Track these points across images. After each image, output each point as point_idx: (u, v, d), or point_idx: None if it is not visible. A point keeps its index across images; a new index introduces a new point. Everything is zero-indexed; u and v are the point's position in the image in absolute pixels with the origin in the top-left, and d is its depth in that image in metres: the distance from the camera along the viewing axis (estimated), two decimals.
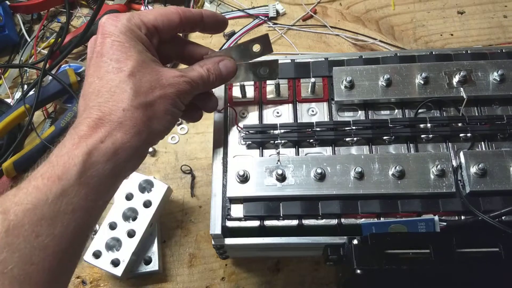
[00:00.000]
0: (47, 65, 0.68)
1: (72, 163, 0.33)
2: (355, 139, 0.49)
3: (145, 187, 0.58)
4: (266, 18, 0.76)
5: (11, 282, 0.30)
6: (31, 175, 0.34)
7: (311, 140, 0.49)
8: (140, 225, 0.56)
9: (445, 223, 0.44)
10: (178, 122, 0.68)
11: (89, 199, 0.34)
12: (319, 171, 0.45)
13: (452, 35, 0.73)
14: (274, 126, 0.49)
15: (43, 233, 0.31)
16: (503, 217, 0.44)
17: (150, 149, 0.65)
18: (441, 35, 0.73)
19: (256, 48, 0.47)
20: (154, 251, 0.57)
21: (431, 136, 0.48)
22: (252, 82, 0.53)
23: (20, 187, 0.33)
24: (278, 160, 0.47)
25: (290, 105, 0.52)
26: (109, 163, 0.35)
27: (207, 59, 0.44)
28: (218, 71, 0.44)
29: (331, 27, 0.74)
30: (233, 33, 0.74)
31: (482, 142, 0.48)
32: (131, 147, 0.36)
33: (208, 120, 0.66)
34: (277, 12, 0.76)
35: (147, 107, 0.37)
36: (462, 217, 0.45)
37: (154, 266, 0.56)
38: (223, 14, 0.73)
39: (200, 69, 0.42)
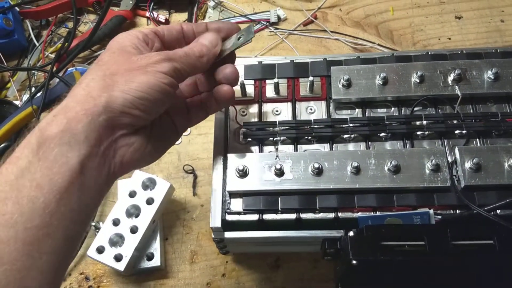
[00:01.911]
0: (54, 68, 0.70)
1: (27, 141, 0.33)
2: (352, 136, 0.50)
3: (148, 185, 0.59)
4: (267, 24, 0.77)
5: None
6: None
7: (309, 137, 0.51)
8: (143, 222, 0.57)
9: (440, 217, 0.45)
10: None
11: (54, 171, 0.33)
12: (316, 166, 0.46)
13: (449, 39, 0.74)
14: (273, 124, 0.51)
15: (10, 211, 0.31)
16: (497, 211, 0.45)
17: None
18: (439, 39, 0.74)
19: (239, 38, 0.46)
20: (156, 248, 0.58)
21: (426, 133, 0.49)
22: (252, 82, 0.54)
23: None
24: (277, 156, 0.48)
25: (289, 103, 0.53)
26: (64, 132, 0.34)
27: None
28: (200, 45, 0.42)
29: (331, 31, 0.76)
30: None
31: (477, 139, 0.49)
32: (84, 114, 0.34)
33: (211, 122, 0.67)
34: (279, 17, 0.78)
35: (105, 77, 0.36)
36: (457, 211, 0.46)
37: (156, 262, 0.57)
38: (227, 21, 0.75)
39: (184, 48, 0.42)
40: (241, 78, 0.54)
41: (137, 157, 0.39)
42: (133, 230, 0.56)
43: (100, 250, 0.55)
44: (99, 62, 0.38)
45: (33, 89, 0.72)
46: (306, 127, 0.50)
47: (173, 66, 0.39)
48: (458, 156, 0.46)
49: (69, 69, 0.73)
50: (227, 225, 0.47)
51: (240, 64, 0.55)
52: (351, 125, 0.50)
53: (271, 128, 0.51)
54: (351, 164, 0.46)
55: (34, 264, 0.31)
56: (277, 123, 0.51)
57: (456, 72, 0.50)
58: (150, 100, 0.37)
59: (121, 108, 0.36)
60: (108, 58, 0.38)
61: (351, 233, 0.43)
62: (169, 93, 0.38)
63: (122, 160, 0.38)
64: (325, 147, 0.50)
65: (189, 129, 0.69)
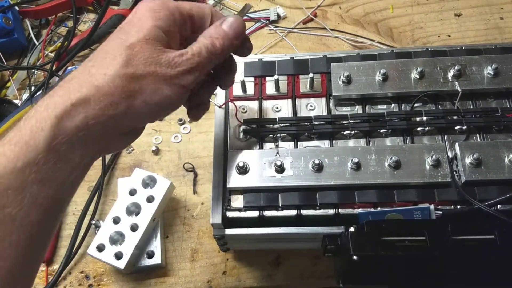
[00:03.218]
0: (54, 67, 0.70)
1: (40, 127, 0.31)
2: (352, 132, 0.50)
3: (148, 183, 0.59)
4: (267, 22, 0.77)
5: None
6: None
7: (310, 134, 0.51)
8: (143, 220, 0.57)
9: (440, 212, 0.45)
10: (180, 122, 0.69)
11: (58, 168, 0.31)
12: (317, 162, 0.46)
13: (449, 36, 0.74)
14: (273, 120, 0.51)
15: (10, 203, 0.29)
16: (498, 206, 0.45)
17: (153, 148, 0.66)
18: (438, 36, 0.74)
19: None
20: (156, 246, 0.58)
21: (426, 128, 0.49)
22: (252, 79, 0.54)
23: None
24: (277, 152, 0.48)
25: (289, 100, 0.53)
26: (79, 129, 0.32)
27: (209, 27, 0.40)
28: (223, 33, 0.39)
29: (331, 29, 0.76)
30: None
31: (477, 134, 0.49)
32: (104, 116, 0.33)
33: (211, 120, 0.67)
34: (278, 15, 0.78)
35: (132, 80, 0.34)
36: (458, 206, 0.46)
37: (156, 260, 0.57)
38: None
39: (203, 40, 0.38)
40: (241, 75, 0.54)
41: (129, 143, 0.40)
42: (134, 228, 0.56)
43: (101, 248, 0.55)
44: (126, 43, 0.34)
45: (32, 88, 0.72)
46: (306, 123, 0.50)
47: (195, 78, 0.37)
48: (458, 152, 0.46)
49: (68, 68, 0.73)
50: (228, 222, 0.47)
51: (240, 61, 0.55)
52: (351, 121, 0.50)
53: (271, 125, 0.51)
54: (352, 160, 0.46)
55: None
56: (277, 120, 0.51)
57: (456, 68, 0.50)
58: (164, 113, 0.38)
59: (136, 117, 0.36)
60: (136, 41, 0.34)
61: (351, 229, 0.43)
62: (182, 103, 0.39)
63: (109, 147, 0.37)
64: (325, 144, 0.50)
65: (189, 127, 0.69)
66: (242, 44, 0.42)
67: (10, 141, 0.31)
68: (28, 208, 0.30)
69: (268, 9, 0.78)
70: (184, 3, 0.38)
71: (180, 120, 0.69)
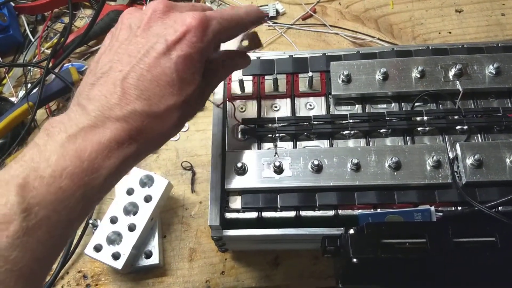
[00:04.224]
0: (50, 64, 0.69)
1: (102, 173, 0.32)
2: (352, 132, 0.49)
3: (146, 182, 0.59)
4: (266, 18, 0.76)
5: (17, 280, 0.29)
6: (56, 164, 0.30)
7: (309, 134, 0.50)
8: (141, 219, 0.56)
9: (441, 214, 0.44)
10: None
11: (98, 201, 0.34)
12: (316, 163, 0.46)
13: (450, 32, 0.73)
14: (272, 120, 0.50)
15: (56, 235, 0.31)
16: (499, 207, 0.44)
17: None
18: (439, 33, 0.73)
19: (245, 43, 0.46)
20: (154, 245, 0.58)
21: (427, 128, 0.49)
22: (251, 77, 0.54)
23: (43, 177, 0.30)
24: (276, 153, 0.48)
25: (288, 99, 0.53)
26: (122, 175, 0.34)
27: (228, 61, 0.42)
28: (234, 64, 0.43)
29: (331, 26, 0.75)
30: None
31: (479, 135, 0.49)
32: (138, 160, 0.36)
33: (209, 118, 0.66)
34: (277, 11, 0.77)
35: (174, 132, 0.37)
36: (459, 208, 0.45)
37: (154, 259, 0.57)
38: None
39: (222, 78, 0.44)
40: (240, 74, 0.53)
41: None
42: (131, 228, 0.56)
43: (98, 248, 0.55)
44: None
45: (29, 85, 0.71)
46: (305, 123, 0.49)
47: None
48: (459, 152, 0.46)
49: (65, 65, 0.72)
50: (226, 223, 0.47)
51: None
52: (351, 121, 0.49)
53: (270, 125, 0.50)
54: (351, 161, 0.46)
55: None
56: (276, 119, 0.50)
57: (457, 67, 0.50)
58: None
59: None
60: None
61: (351, 231, 0.42)
62: None
63: None
64: (324, 144, 0.50)
65: (187, 125, 0.68)
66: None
67: (72, 176, 0.31)
68: (68, 236, 0.33)
69: (267, 5, 0.77)
70: (222, 22, 0.37)
71: None
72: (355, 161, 0.46)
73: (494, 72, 0.50)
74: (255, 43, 0.47)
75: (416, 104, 0.50)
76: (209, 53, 0.37)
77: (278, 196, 0.46)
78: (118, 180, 0.35)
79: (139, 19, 0.36)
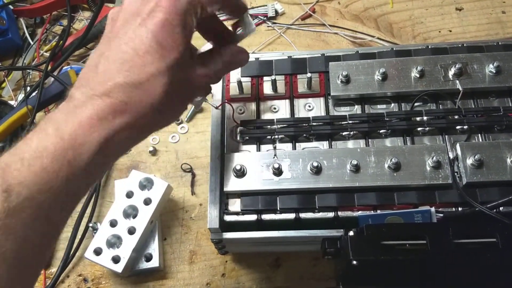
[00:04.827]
0: (49, 67, 0.69)
1: (86, 149, 0.31)
2: (351, 133, 0.49)
3: (146, 185, 0.59)
4: (265, 18, 0.76)
5: (2, 264, 0.29)
6: (36, 144, 0.31)
7: (308, 135, 0.50)
8: (141, 223, 0.56)
9: (441, 215, 0.44)
10: (178, 122, 0.68)
11: (87, 184, 0.33)
12: (315, 164, 0.46)
13: (450, 31, 0.73)
14: (271, 121, 0.50)
15: (41, 217, 0.30)
16: (500, 208, 0.44)
17: (151, 148, 0.66)
18: (439, 31, 0.73)
19: (238, 31, 0.44)
20: (154, 248, 0.58)
21: (427, 129, 0.48)
22: (249, 79, 0.53)
23: (24, 159, 0.30)
24: (275, 155, 0.47)
25: (287, 100, 0.52)
26: (117, 153, 0.34)
27: (229, 48, 0.42)
28: (235, 61, 0.43)
29: (330, 25, 0.75)
30: None
31: (479, 134, 0.49)
32: (136, 139, 0.36)
33: (208, 119, 0.67)
34: (276, 11, 0.77)
35: (169, 108, 0.36)
36: (459, 209, 0.45)
37: (154, 262, 0.57)
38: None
39: (220, 64, 0.40)
40: (238, 75, 0.53)
41: None
42: (131, 231, 0.56)
43: (98, 251, 0.55)
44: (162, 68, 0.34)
45: (28, 88, 0.71)
46: (304, 124, 0.49)
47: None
48: (459, 152, 0.46)
49: (64, 68, 0.72)
50: (225, 226, 0.47)
51: None
52: (350, 122, 0.49)
53: (268, 126, 0.50)
54: (351, 162, 0.45)
55: None
56: (275, 121, 0.50)
57: (457, 66, 0.49)
58: None
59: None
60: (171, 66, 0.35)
61: (351, 233, 0.42)
62: None
63: None
64: (324, 145, 0.50)
65: (186, 127, 0.68)
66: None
67: (53, 155, 0.30)
68: (57, 222, 0.32)
69: (266, 5, 0.77)
70: None
71: (177, 119, 0.68)
72: (355, 162, 0.45)
73: (494, 71, 0.49)
74: (247, 25, 0.44)
75: (415, 104, 0.50)
76: (191, 19, 0.36)
77: (278, 198, 0.46)
78: (109, 160, 0.34)
79: (118, 10, 0.37)
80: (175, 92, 0.35)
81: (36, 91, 0.67)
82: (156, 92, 0.34)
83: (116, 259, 0.54)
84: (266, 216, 0.46)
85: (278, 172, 0.46)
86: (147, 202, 0.57)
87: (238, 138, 0.50)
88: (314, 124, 0.49)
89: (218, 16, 0.42)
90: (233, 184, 0.47)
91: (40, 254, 0.32)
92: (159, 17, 0.34)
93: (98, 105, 0.32)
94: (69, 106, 0.33)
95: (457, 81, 0.49)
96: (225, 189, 0.47)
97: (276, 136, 0.50)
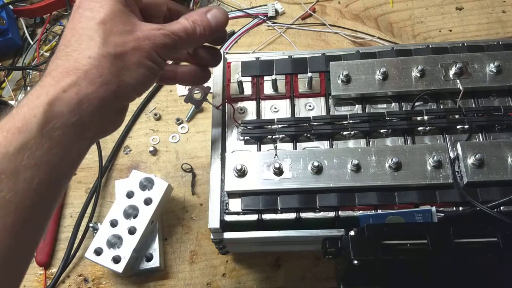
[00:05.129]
0: None
1: (32, 113, 0.31)
2: (352, 133, 0.49)
3: (146, 185, 0.59)
4: (265, 18, 0.76)
5: None
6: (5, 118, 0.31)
7: (309, 135, 0.50)
8: (141, 223, 0.56)
9: (442, 214, 0.44)
10: (178, 122, 0.68)
11: (53, 152, 0.32)
12: (316, 164, 0.46)
13: (450, 31, 0.73)
14: (271, 121, 0.50)
15: (3, 188, 0.29)
16: (501, 207, 0.44)
17: (151, 148, 0.66)
18: (439, 31, 0.73)
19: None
20: (155, 248, 0.58)
21: (428, 128, 0.48)
22: (250, 79, 0.53)
23: None
24: (276, 154, 0.47)
25: (288, 100, 0.52)
26: (73, 114, 0.32)
27: (194, 11, 0.41)
28: (206, 22, 0.40)
29: (330, 25, 0.75)
30: (232, 33, 0.75)
31: (480, 134, 0.49)
32: (96, 98, 0.34)
33: (208, 119, 0.66)
34: (276, 11, 0.77)
35: (116, 57, 0.35)
36: (460, 208, 0.45)
37: (155, 262, 0.57)
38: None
39: (185, 22, 0.39)
40: (238, 75, 0.53)
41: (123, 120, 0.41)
42: (131, 231, 0.56)
43: (98, 252, 0.55)
44: (96, 20, 0.35)
45: (28, 88, 0.71)
46: (305, 124, 0.49)
47: (170, 53, 0.38)
48: (460, 152, 0.46)
49: None
50: (226, 226, 0.47)
51: (237, 60, 0.55)
52: (351, 121, 0.49)
53: (269, 126, 0.50)
54: (351, 162, 0.45)
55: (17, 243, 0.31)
56: (276, 120, 0.50)
57: (457, 65, 0.49)
58: (151, 83, 0.39)
59: (127, 93, 0.37)
60: (105, 16, 0.35)
61: (352, 233, 0.42)
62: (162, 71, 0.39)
63: (107, 129, 0.39)
64: (324, 145, 0.50)
65: (186, 127, 0.68)
66: (219, 36, 0.44)
67: (1, 128, 0.31)
68: (22, 193, 0.30)
69: (266, 5, 0.77)
70: None
71: (178, 119, 0.68)
72: (355, 162, 0.45)
73: (495, 71, 0.49)
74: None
75: (416, 103, 0.50)
76: None
77: (278, 198, 0.46)
78: (66, 123, 0.32)
79: None
80: (118, 44, 0.35)
81: None
82: (91, 45, 0.34)
83: (116, 259, 0.54)
84: (266, 216, 0.46)
85: (278, 172, 0.46)
86: (148, 202, 0.57)
87: (239, 138, 0.50)
88: (314, 123, 0.49)
89: None
90: (233, 184, 0.47)
91: (7, 229, 0.31)
92: None
93: (42, 80, 0.33)
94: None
95: (458, 81, 0.49)
96: (226, 188, 0.47)
97: (277, 136, 0.49)
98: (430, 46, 0.53)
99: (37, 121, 0.31)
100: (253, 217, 0.46)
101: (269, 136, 0.50)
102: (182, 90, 0.71)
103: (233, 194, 0.47)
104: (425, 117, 0.48)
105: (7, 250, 0.30)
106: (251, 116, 0.52)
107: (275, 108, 0.52)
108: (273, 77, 0.52)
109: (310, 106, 0.52)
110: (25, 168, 0.30)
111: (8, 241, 0.30)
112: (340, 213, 0.46)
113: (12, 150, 0.30)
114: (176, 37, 0.38)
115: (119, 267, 0.54)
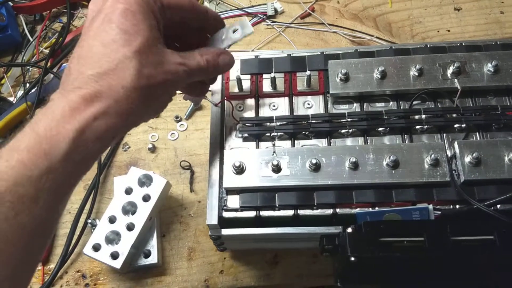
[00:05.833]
0: (49, 64, 0.69)
1: (62, 139, 0.31)
2: (350, 131, 0.49)
3: (144, 181, 0.59)
4: (264, 17, 0.76)
5: None
6: (13, 143, 0.31)
7: (307, 133, 0.50)
8: (139, 219, 0.56)
9: (439, 212, 0.44)
10: (177, 119, 0.68)
11: (72, 176, 0.33)
12: (314, 161, 0.46)
13: (449, 31, 0.73)
14: (270, 119, 0.50)
15: (23, 211, 0.30)
16: (498, 206, 0.44)
17: (150, 145, 0.66)
18: (438, 31, 0.73)
19: (236, 31, 0.45)
20: (153, 245, 0.58)
21: (425, 127, 0.49)
22: (249, 76, 0.54)
23: (1, 157, 0.30)
24: (274, 152, 0.47)
25: (286, 98, 0.53)
26: (98, 141, 0.33)
27: (208, 49, 0.43)
28: (217, 64, 0.43)
29: (329, 24, 0.75)
30: None
31: (477, 133, 0.49)
32: (122, 128, 0.35)
33: (207, 117, 0.67)
34: (276, 10, 0.77)
35: (146, 89, 0.35)
36: (457, 206, 0.45)
37: (153, 259, 0.57)
38: (221, 13, 0.74)
39: (200, 59, 0.41)
40: (238, 72, 0.53)
41: None
42: (130, 227, 0.56)
43: (96, 248, 0.55)
44: (132, 47, 0.35)
45: (27, 85, 0.71)
46: (303, 122, 0.49)
47: (187, 80, 0.41)
48: (457, 150, 0.46)
49: (63, 65, 0.72)
50: (224, 222, 0.47)
51: (236, 58, 0.54)
52: (349, 119, 0.49)
53: (268, 124, 0.50)
54: (349, 160, 0.46)
55: None
56: (274, 118, 0.50)
57: (455, 65, 0.49)
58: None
59: (144, 120, 0.40)
60: (141, 45, 0.35)
61: (349, 230, 0.42)
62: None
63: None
64: (322, 143, 0.50)
65: (185, 124, 0.68)
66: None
67: (28, 148, 0.31)
68: (39, 216, 0.31)
69: (265, 4, 0.77)
70: None
71: (177, 117, 0.68)
72: (353, 159, 0.45)
73: (492, 70, 0.49)
74: (245, 29, 0.45)
75: (414, 102, 0.50)
76: (153, 5, 0.37)
77: (276, 195, 0.46)
78: (90, 151, 0.33)
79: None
80: (150, 77, 0.36)
81: (36, 88, 0.68)
82: (126, 75, 0.34)
83: (114, 255, 0.54)
84: (264, 213, 0.47)
85: (277, 169, 0.46)
86: (146, 198, 0.57)
87: (238, 135, 0.50)
88: (313, 121, 0.49)
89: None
90: (232, 180, 0.47)
91: (19, 248, 0.31)
92: (120, 7, 0.35)
93: (71, 98, 0.33)
94: (45, 107, 0.34)
95: (456, 80, 0.50)
96: (224, 185, 0.47)
97: (275, 133, 0.50)
98: (428, 46, 0.54)
99: (65, 147, 0.31)
100: (251, 213, 0.47)
101: (268, 134, 0.50)
102: None
103: (231, 191, 0.47)
104: (423, 116, 0.48)
105: (17, 268, 0.31)
106: (249, 113, 0.52)
107: (274, 106, 0.52)
108: (272, 75, 0.52)
109: (308, 104, 0.52)
110: (46, 192, 0.31)
111: (18, 260, 0.31)
112: (337, 210, 0.46)
113: (36, 174, 0.30)
114: (192, 73, 0.40)
115: (117, 263, 0.54)
